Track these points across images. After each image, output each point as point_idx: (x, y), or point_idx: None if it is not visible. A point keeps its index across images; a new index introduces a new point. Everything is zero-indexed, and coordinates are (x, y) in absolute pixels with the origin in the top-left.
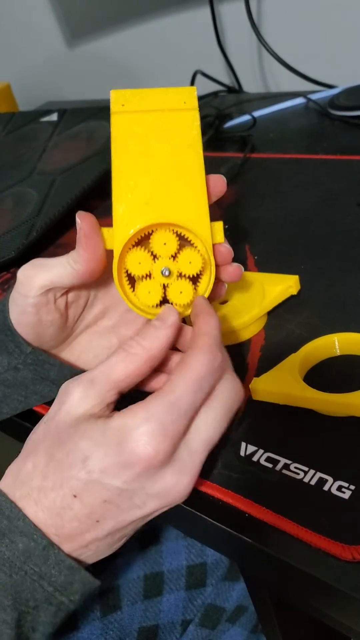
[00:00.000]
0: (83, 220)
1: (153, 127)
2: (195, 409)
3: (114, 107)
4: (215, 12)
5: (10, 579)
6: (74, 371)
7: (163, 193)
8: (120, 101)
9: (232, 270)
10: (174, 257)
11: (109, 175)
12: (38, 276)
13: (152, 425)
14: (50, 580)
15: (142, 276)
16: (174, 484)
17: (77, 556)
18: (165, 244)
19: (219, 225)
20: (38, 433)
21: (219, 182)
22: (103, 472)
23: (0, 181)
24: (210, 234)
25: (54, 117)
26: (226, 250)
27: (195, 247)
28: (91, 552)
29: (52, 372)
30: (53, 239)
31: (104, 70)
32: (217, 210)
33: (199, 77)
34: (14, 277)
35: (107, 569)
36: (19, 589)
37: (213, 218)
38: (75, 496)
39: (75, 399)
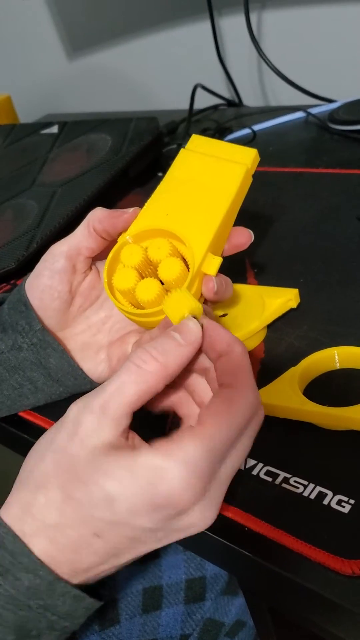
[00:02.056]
0: (133, 213)
1: (205, 168)
2: (229, 450)
3: (187, 146)
4: (215, 26)
5: (14, 616)
6: (72, 365)
7: (181, 213)
8: (195, 143)
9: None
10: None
11: (109, 186)
12: (61, 244)
13: (188, 469)
14: (55, 610)
15: (129, 266)
16: (201, 519)
17: (84, 581)
18: (159, 248)
19: (217, 260)
20: (47, 464)
21: (243, 234)
22: (131, 513)
23: (1, 193)
24: (201, 257)
25: (54, 129)
26: (212, 285)
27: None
28: (100, 576)
29: (52, 359)
30: None
31: (104, 83)
32: None
33: (199, 90)
34: (14, 289)
35: (106, 583)
36: (23, 622)
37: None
38: (97, 535)
39: (89, 430)
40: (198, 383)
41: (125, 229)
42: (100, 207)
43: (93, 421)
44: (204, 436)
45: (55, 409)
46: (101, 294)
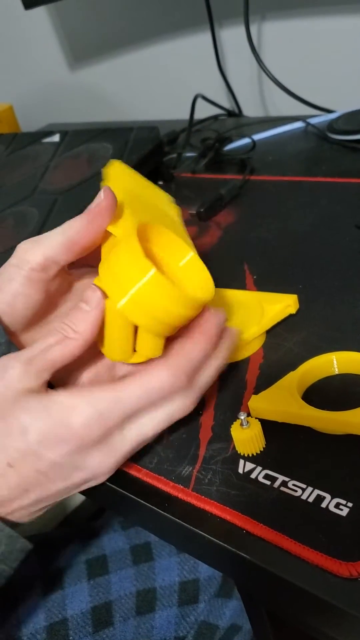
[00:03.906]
0: (106, 197)
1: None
2: (138, 411)
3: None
4: (216, 37)
5: None
6: None
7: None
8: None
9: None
10: None
11: None
12: (34, 252)
13: (93, 409)
14: None
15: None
16: (99, 463)
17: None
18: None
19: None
20: None
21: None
22: (40, 444)
23: (2, 200)
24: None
25: (55, 138)
26: None
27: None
28: (14, 519)
29: None
30: None
31: (105, 93)
32: (217, 230)
33: (199, 100)
34: None
35: (99, 585)
36: None
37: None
38: (10, 465)
39: (15, 375)
40: None
41: (102, 229)
42: (78, 218)
43: (20, 368)
44: (115, 387)
45: None
46: (67, 301)
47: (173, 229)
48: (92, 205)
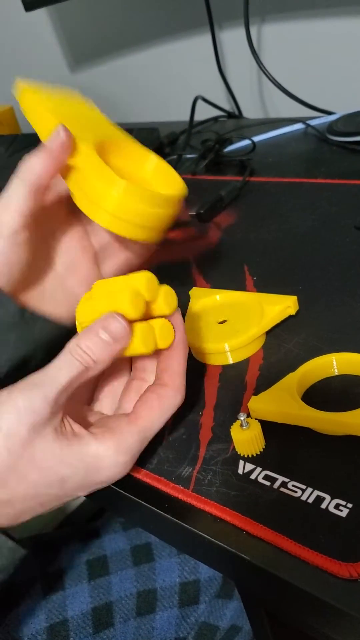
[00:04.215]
0: (65, 133)
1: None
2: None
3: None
4: (216, 39)
5: None
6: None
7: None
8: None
9: None
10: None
11: None
12: (7, 212)
13: (126, 456)
14: None
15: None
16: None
17: None
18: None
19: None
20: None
21: None
22: (76, 490)
23: None
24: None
25: None
26: None
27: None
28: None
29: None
30: None
31: (106, 95)
32: (217, 231)
33: (199, 102)
34: None
35: (99, 586)
36: None
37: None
38: (41, 504)
39: (44, 416)
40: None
41: (62, 166)
42: (36, 160)
43: (48, 411)
44: (139, 429)
45: None
46: (61, 255)
47: (116, 134)
48: (51, 144)
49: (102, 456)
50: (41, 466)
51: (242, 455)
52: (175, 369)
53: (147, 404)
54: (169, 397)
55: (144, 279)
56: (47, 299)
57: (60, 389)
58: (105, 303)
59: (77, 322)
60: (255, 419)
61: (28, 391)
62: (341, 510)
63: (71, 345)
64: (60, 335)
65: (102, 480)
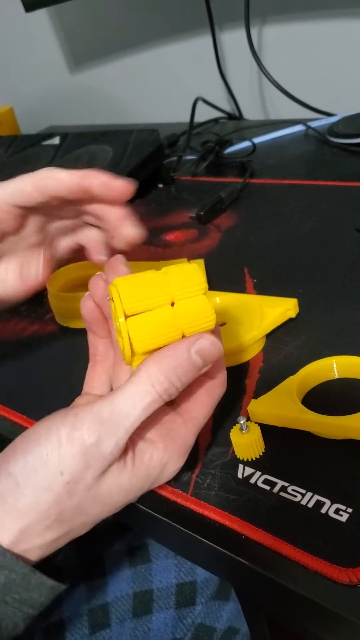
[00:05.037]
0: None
1: None
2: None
3: None
4: (216, 40)
5: None
6: None
7: None
8: None
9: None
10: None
11: None
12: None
13: (185, 455)
14: (31, 603)
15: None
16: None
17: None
18: None
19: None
20: (61, 495)
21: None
22: (137, 495)
23: None
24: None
25: (55, 140)
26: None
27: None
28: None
29: None
30: None
31: (106, 96)
32: (217, 233)
33: (199, 103)
34: None
35: (96, 587)
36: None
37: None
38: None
39: (96, 459)
40: None
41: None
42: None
43: (117, 456)
44: (196, 428)
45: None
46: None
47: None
48: (91, 178)
49: (167, 464)
50: (106, 502)
51: (241, 459)
52: (219, 360)
53: (199, 400)
54: (216, 390)
55: (200, 274)
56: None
57: (132, 430)
58: (164, 314)
59: (121, 336)
60: (255, 422)
61: (96, 428)
62: (341, 515)
63: (152, 372)
64: None
65: (164, 481)
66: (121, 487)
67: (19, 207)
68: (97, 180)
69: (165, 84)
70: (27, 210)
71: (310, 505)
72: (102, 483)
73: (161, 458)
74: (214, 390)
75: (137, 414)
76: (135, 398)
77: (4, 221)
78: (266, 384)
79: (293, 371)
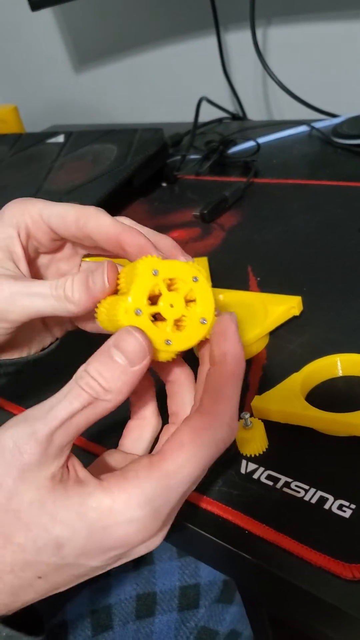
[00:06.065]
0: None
1: None
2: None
3: None
4: (221, 40)
5: None
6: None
7: None
8: None
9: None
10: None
11: (114, 195)
12: (20, 301)
13: (143, 511)
14: None
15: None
16: (148, 548)
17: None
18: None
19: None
20: None
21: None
22: (80, 557)
23: (6, 200)
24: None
25: (60, 138)
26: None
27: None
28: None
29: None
30: None
31: (110, 96)
32: (220, 232)
33: (204, 103)
34: None
35: (99, 589)
36: None
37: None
38: (40, 577)
39: (34, 463)
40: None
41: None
42: (106, 216)
43: (39, 454)
44: (162, 474)
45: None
46: None
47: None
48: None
49: (108, 510)
50: (28, 523)
51: (245, 454)
52: (221, 391)
53: (176, 440)
54: (208, 431)
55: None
56: None
57: (56, 425)
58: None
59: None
60: (259, 418)
61: (15, 428)
62: (344, 511)
63: (79, 370)
64: None
65: (114, 544)
66: (44, 507)
67: (55, 232)
68: (135, 240)
69: (169, 83)
70: (62, 239)
71: (313, 501)
72: (25, 494)
73: (100, 500)
74: (201, 429)
75: (63, 409)
76: (61, 395)
77: (40, 240)
78: (270, 381)
79: (296, 369)
